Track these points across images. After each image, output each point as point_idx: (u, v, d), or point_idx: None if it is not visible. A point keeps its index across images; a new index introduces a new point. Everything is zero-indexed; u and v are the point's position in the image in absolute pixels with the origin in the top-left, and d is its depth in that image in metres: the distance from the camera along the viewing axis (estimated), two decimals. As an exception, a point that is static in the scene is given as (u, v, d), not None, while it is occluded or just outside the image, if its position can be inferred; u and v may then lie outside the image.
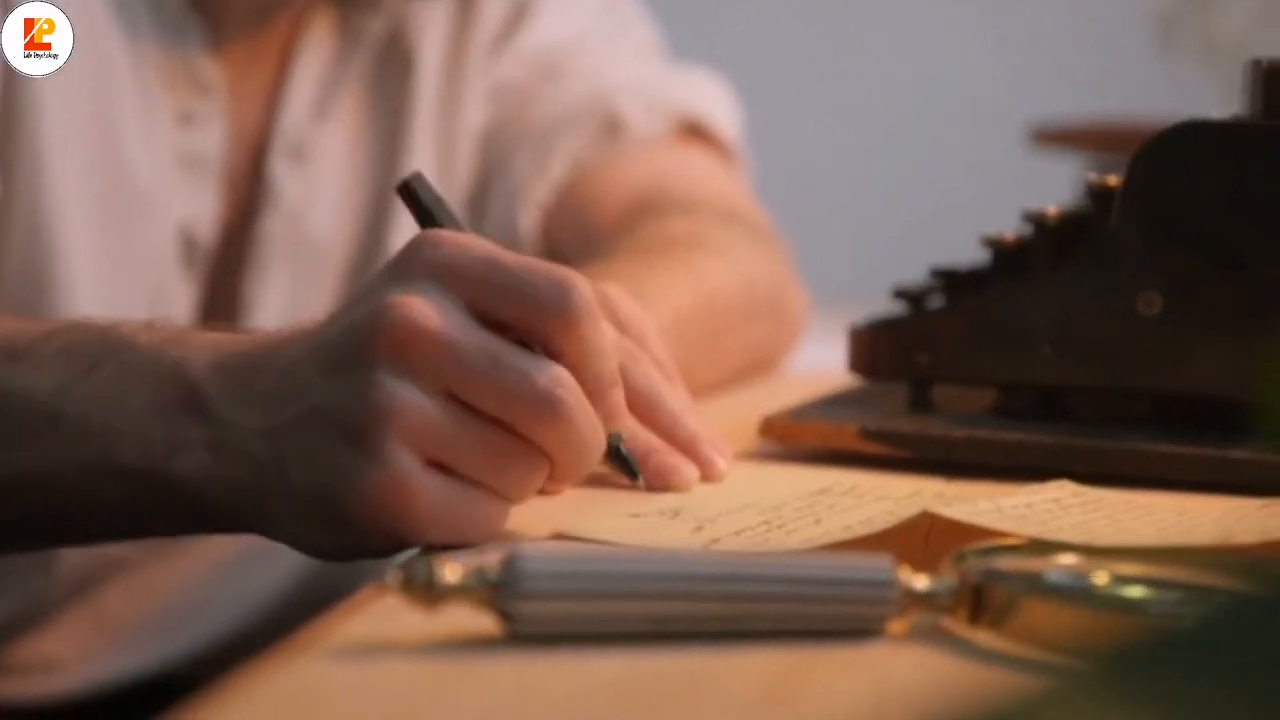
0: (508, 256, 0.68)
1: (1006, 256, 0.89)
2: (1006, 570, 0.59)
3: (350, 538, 0.67)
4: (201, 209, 1.06)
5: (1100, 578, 0.57)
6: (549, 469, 0.67)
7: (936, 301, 0.90)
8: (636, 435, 0.79)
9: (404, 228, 1.11)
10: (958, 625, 0.58)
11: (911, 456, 0.84)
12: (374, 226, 1.13)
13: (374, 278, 0.69)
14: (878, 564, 0.58)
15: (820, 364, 1.15)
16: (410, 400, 0.65)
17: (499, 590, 0.55)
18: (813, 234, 1.25)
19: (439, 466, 0.66)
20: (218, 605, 1.12)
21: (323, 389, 0.66)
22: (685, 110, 1.18)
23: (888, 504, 0.76)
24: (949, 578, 0.58)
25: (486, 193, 1.17)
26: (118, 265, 1.03)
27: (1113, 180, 0.87)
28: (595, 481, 0.79)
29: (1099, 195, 0.87)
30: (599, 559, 0.56)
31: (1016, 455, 0.83)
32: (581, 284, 0.68)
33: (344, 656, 0.55)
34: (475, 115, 1.16)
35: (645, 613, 0.56)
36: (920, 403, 0.90)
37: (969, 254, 1.44)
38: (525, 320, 0.67)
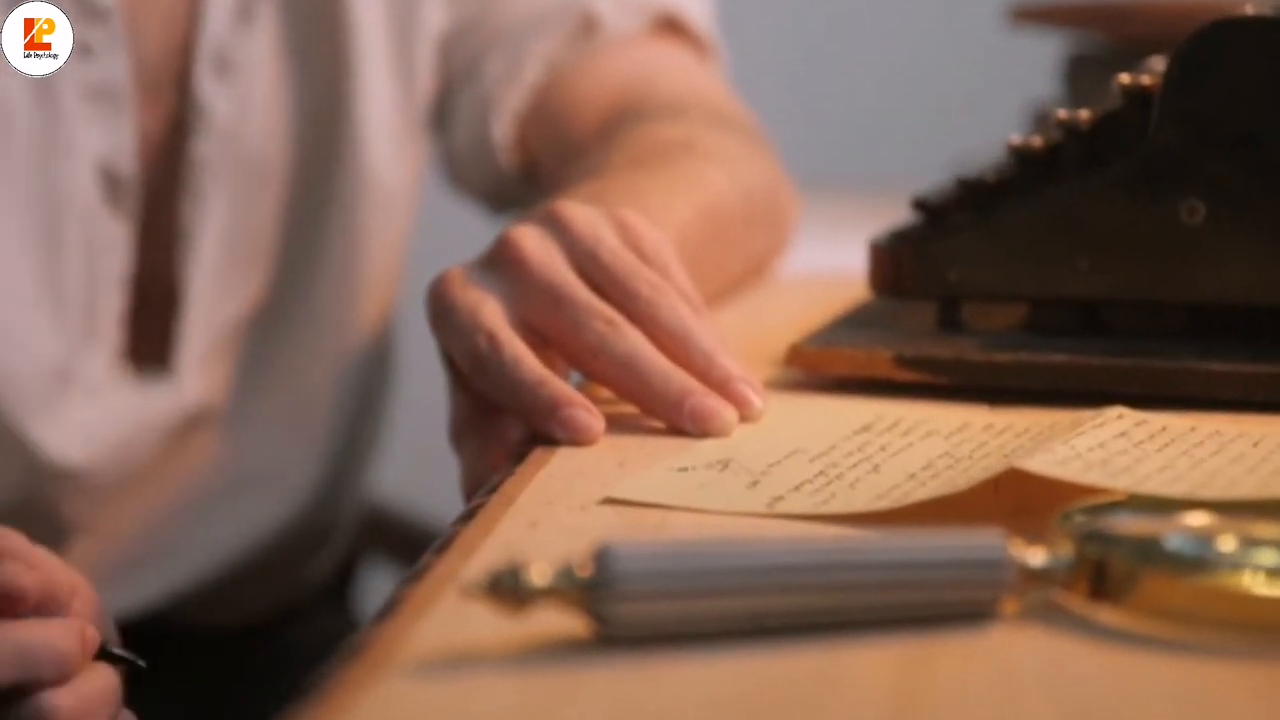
0: None
1: (1036, 164, 0.85)
2: (1123, 537, 0.55)
3: None
4: (119, 141, 0.99)
5: (1226, 543, 0.54)
6: None
7: (961, 214, 0.85)
8: (670, 376, 0.75)
9: (356, 137, 1.05)
10: (1074, 601, 0.54)
11: (950, 384, 0.80)
12: (319, 137, 1.06)
13: None
14: (989, 541, 0.54)
15: (799, 258, 1.11)
16: None
17: (592, 592, 0.51)
18: (784, 122, 1.20)
19: None
20: (189, 546, 1.07)
21: None
22: (660, 5, 1.12)
23: (938, 441, 0.73)
24: (1064, 552, 0.54)
25: (453, 101, 1.11)
26: (45, 210, 0.97)
27: (1147, 80, 0.83)
28: (630, 428, 0.74)
29: (1133, 97, 0.83)
30: (695, 555, 0.52)
31: (1062, 379, 0.79)
32: None
33: (429, 673, 0.51)
34: (434, 18, 1.10)
35: (745, 609, 0.52)
36: (949, 322, 0.85)
37: (947, 136, 1.40)
38: None
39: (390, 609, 0.56)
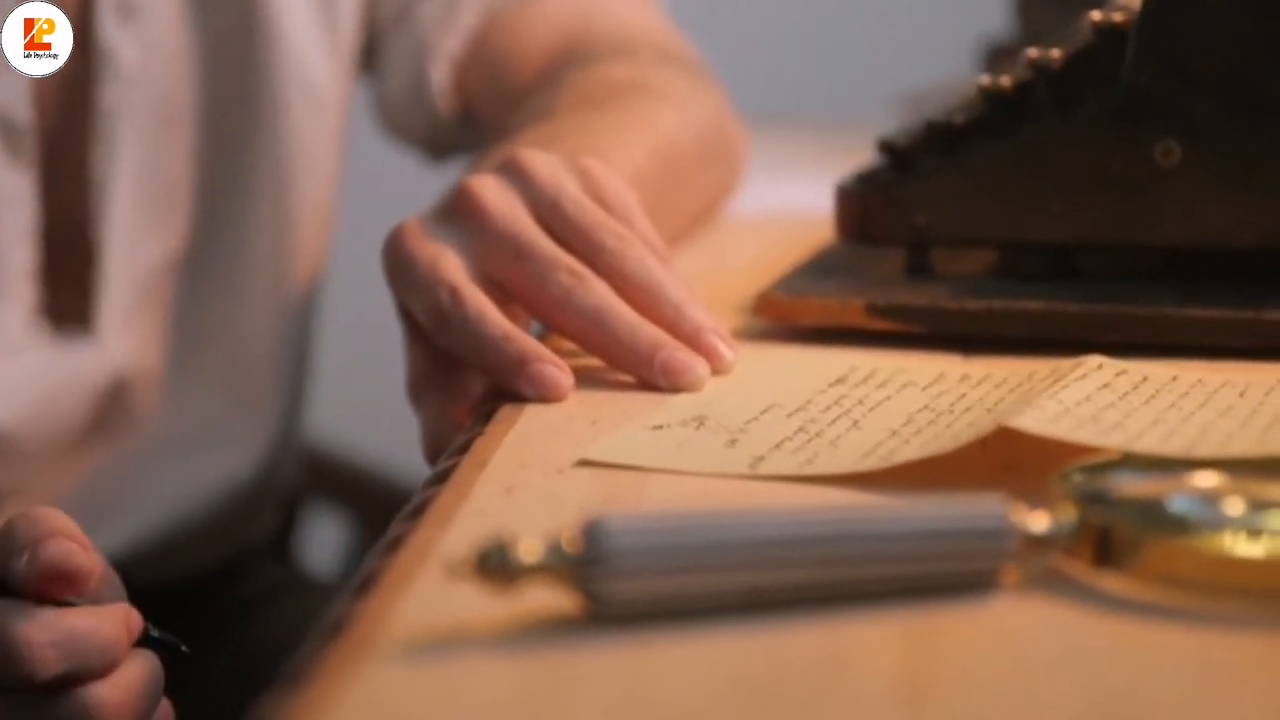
0: None
1: (1006, 104, 0.82)
2: (1126, 500, 0.53)
3: None
4: (11, 88, 0.94)
5: (1233, 505, 0.52)
6: None
7: (930, 156, 0.83)
8: (639, 329, 0.72)
9: (271, 79, 1.01)
10: (1077, 567, 0.52)
11: (923, 332, 0.78)
12: (233, 77, 1.02)
13: None
14: (990, 509, 0.52)
15: (748, 196, 1.08)
16: None
17: (583, 569, 0.49)
18: (727, 57, 1.17)
19: None
20: (127, 509, 1.04)
21: None
22: (598, -57, 1.09)
23: (915, 393, 0.71)
24: (1067, 518, 0.52)
25: (384, 45, 1.07)
26: None
27: (1120, 17, 0.81)
28: (599, 383, 0.72)
29: (1106, 34, 0.81)
30: (689, 529, 0.50)
31: (1038, 327, 0.77)
32: None
33: (416, 657, 0.48)
34: None
35: (742, 584, 0.50)
36: (919, 267, 0.83)
37: (895, 70, 1.37)
38: None
39: (367, 584, 0.54)
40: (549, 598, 0.50)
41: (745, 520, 0.50)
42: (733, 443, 0.65)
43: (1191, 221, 0.80)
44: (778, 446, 0.64)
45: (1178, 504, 0.53)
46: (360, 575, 0.56)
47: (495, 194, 0.75)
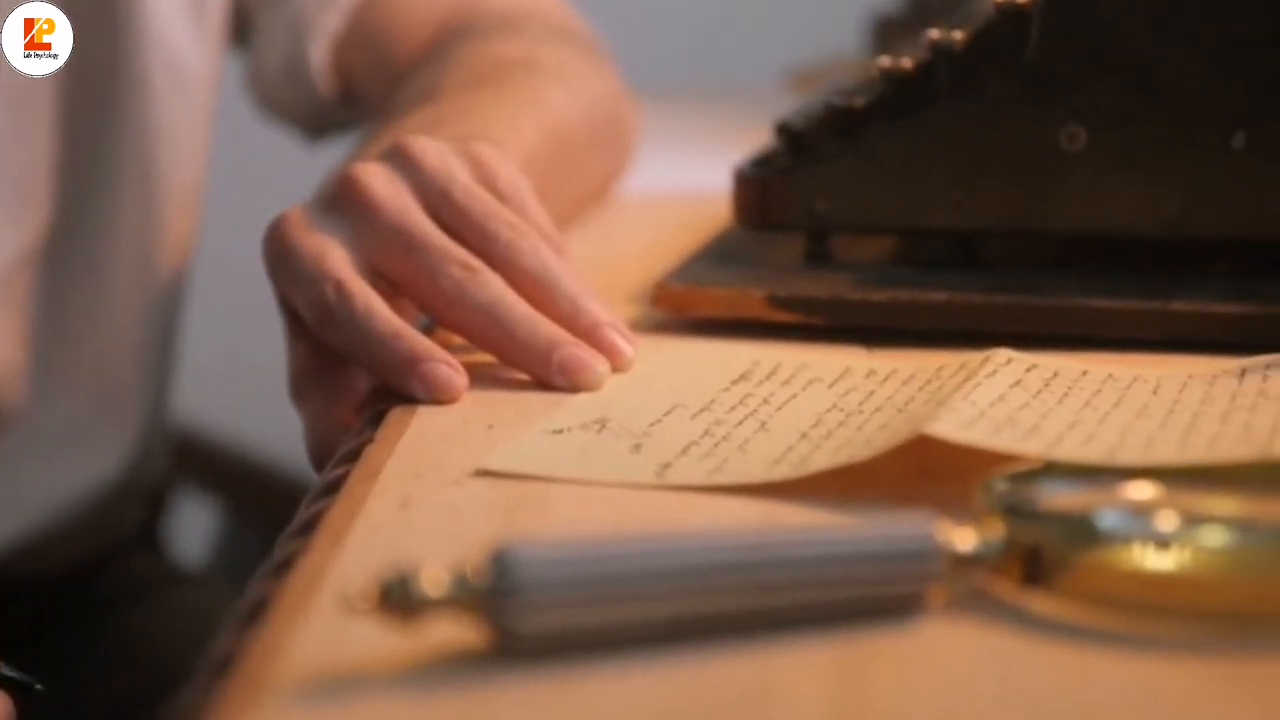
0: None
1: (907, 87, 0.80)
2: (1052, 515, 0.51)
3: None
4: None
5: (1166, 520, 0.50)
6: None
7: (830, 141, 0.81)
8: (537, 326, 0.70)
9: (133, 58, 0.96)
10: (1004, 587, 0.50)
11: (825, 324, 0.76)
12: (91, 56, 0.96)
13: None
14: (916, 528, 0.49)
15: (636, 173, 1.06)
16: None
17: (493, 601, 0.46)
18: (611, 27, 1.14)
19: None
20: (17, 498, 0.99)
21: None
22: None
23: (822, 390, 0.69)
24: (994, 535, 0.50)
25: (257, 21, 1.03)
26: None
27: (1023, -1, 0.78)
28: (493, 382, 0.69)
29: (1009, 15, 0.78)
30: (604, 556, 0.47)
31: (942, 318, 0.75)
32: None
33: (315, 698, 0.45)
34: None
35: (661, 615, 0.47)
36: (817, 255, 0.81)
37: (783, 44, 1.35)
38: None
39: (256, 612, 0.51)
40: (455, 631, 0.47)
41: (663, 548, 0.47)
42: (637, 448, 0.63)
43: (1096, 208, 0.78)
44: (684, 452, 0.62)
45: (1108, 519, 0.51)
46: (247, 602, 0.53)
47: (382, 183, 0.72)
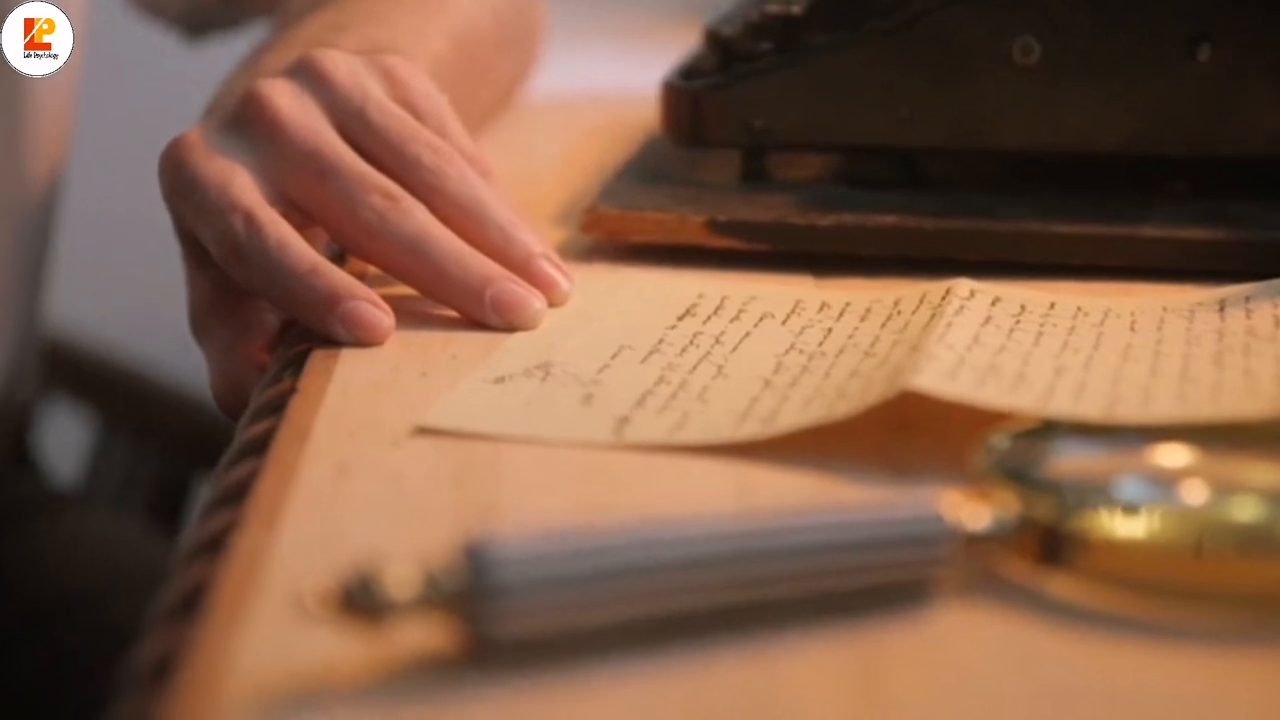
0: None
1: (850, -3, 0.75)
2: (1065, 485, 0.47)
3: None
4: None
5: (1194, 491, 0.46)
6: None
7: (765, 53, 0.75)
8: (467, 260, 0.64)
9: None
10: (1017, 567, 0.46)
11: (769, 250, 0.71)
12: None
13: None
14: (925, 509, 0.45)
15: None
16: None
17: (467, 603, 0.41)
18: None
19: None
20: None
21: None
22: None
23: (775, 328, 0.64)
24: (1007, 512, 0.46)
25: None
26: None
27: (973, -100, 0.73)
28: (418, 320, 0.64)
29: (959, -80, 0.73)
30: (588, 550, 0.42)
31: (893, 244, 0.71)
32: None
33: (271, 713, 0.40)
34: None
35: (653, 612, 0.42)
36: (754, 173, 0.76)
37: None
38: None
39: (189, 603, 0.46)
40: (424, 635, 0.42)
41: (653, 539, 0.43)
42: (588, 398, 0.58)
43: (1051, 125, 0.73)
44: (640, 403, 0.57)
45: (1128, 489, 0.46)
46: (176, 590, 0.47)
47: (289, 101, 0.66)
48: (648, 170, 0.78)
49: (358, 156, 0.65)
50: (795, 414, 0.55)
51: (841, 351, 0.61)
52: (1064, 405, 0.53)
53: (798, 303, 0.66)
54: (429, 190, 0.65)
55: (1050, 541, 0.45)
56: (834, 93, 0.74)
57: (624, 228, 0.72)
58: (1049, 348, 0.59)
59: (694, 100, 0.75)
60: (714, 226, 0.71)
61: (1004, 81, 0.73)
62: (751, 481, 0.52)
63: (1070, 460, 0.49)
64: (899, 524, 0.44)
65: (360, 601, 0.41)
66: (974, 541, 0.45)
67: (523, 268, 0.65)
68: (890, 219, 0.71)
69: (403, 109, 0.68)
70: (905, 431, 0.55)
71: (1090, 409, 0.53)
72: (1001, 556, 0.46)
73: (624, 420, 0.56)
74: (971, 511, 0.45)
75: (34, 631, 0.98)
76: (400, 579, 0.41)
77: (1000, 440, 0.49)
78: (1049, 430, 0.51)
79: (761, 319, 0.65)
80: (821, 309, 0.66)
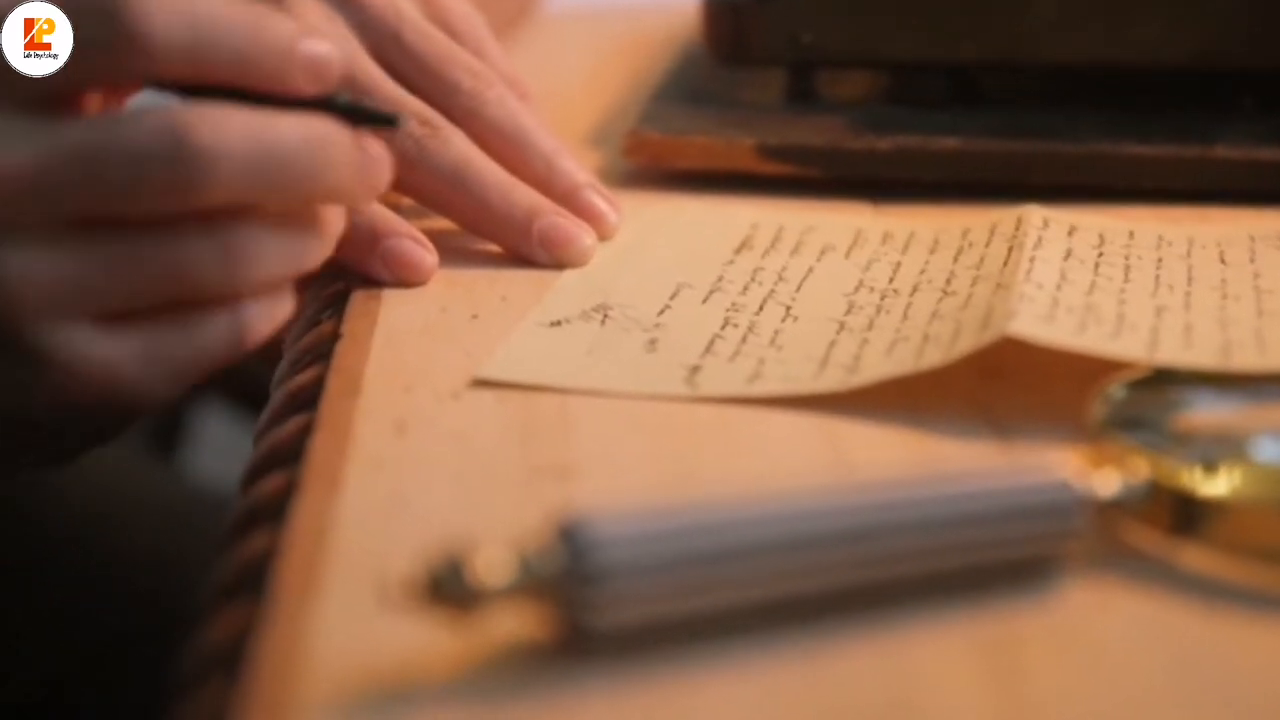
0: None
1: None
2: (1198, 442, 0.43)
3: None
4: None
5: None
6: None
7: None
8: (512, 191, 0.60)
9: None
10: (1147, 535, 0.42)
11: (823, 176, 0.67)
12: None
13: None
14: (1051, 476, 0.41)
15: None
16: (15, 272, 0.46)
17: (566, 589, 0.38)
18: None
19: (113, 317, 0.48)
20: None
21: None
22: None
23: (840, 262, 0.60)
24: (1138, 477, 0.42)
25: None
26: None
27: None
28: (461, 256, 0.60)
29: None
30: (696, 528, 0.38)
31: (958, 168, 0.67)
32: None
33: (354, 712, 0.37)
34: None
35: (766, 596, 0.39)
36: (801, 92, 0.72)
37: None
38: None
39: (252, 581, 0.42)
40: (516, 622, 0.38)
41: (766, 516, 0.39)
42: (652, 343, 0.54)
43: (1116, 38, 0.70)
44: (709, 349, 0.53)
45: (1269, 448, 0.43)
46: (234, 562, 0.44)
47: (321, 22, 0.62)
48: (687, 89, 0.74)
49: (394, 82, 0.61)
50: (880, 361, 0.52)
51: (916, 289, 0.57)
52: (1174, 352, 0.49)
53: (859, 233, 0.63)
54: (468, 116, 0.61)
55: (1184, 509, 0.42)
56: (886, 4, 0.70)
57: (669, 153, 0.68)
58: (1142, 284, 0.56)
59: (736, 14, 0.71)
60: (764, 151, 0.67)
61: (1068, -6, 0.69)
62: (841, 436, 0.48)
63: (1197, 414, 0.45)
64: (1026, 493, 0.41)
65: (449, 589, 0.37)
66: (1103, 510, 0.42)
67: (569, 199, 0.61)
68: (952, 142, 0.67)
69: (439, 29, 0.63)
70: (999, 379, 0.51)
71: (1203, 356, 0.49)
72: (1130, 524, 0.42)
73: (695, 369, 0.52)
74: (1100, 477, 0.42)
75: (43, 560, 0.95)
76: (491, 563, 0.37)
77: (1116, 391, 0.46)
78: (1166, 379, 0.47)
79: (823, 252, 0.61)
80: (885, 240, 0.62)
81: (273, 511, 0.45)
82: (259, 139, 0.47)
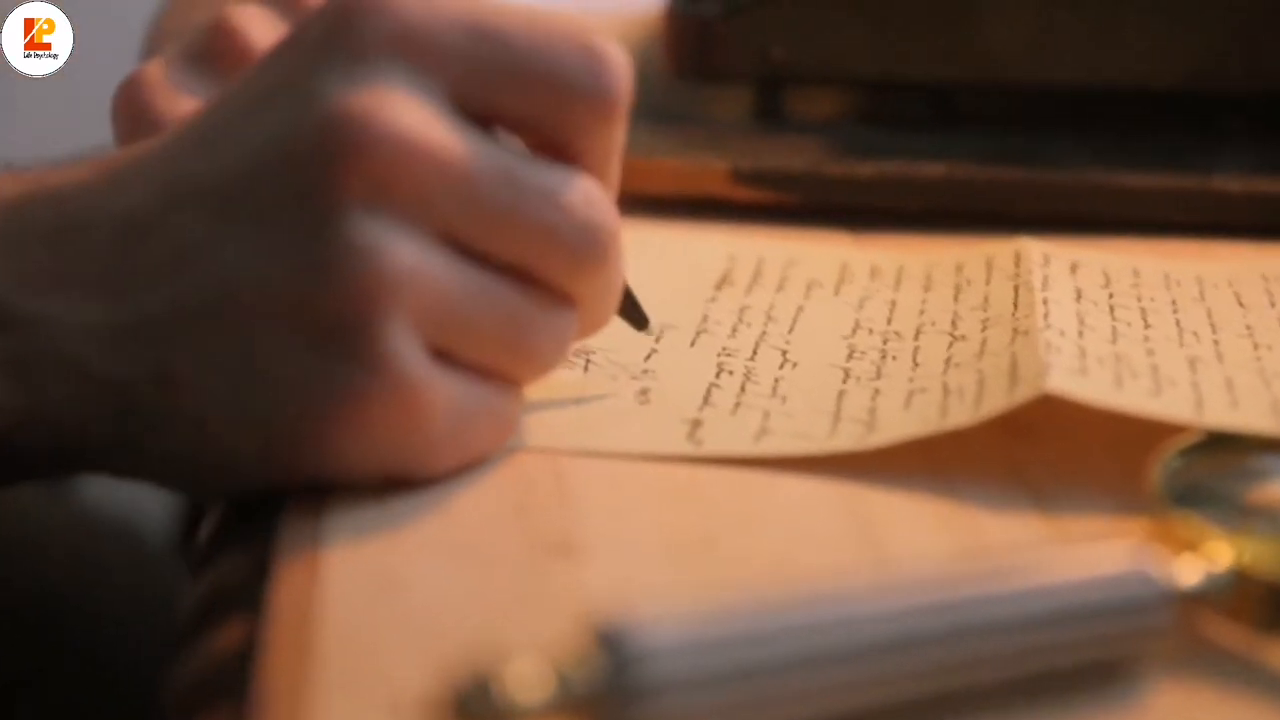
0: (499, 16, 0.43)
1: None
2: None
3: (269, 474, 0.43)
4: None
5: None
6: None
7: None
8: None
9: None
10: (1229, 631, 0.38)
11: (801, 204, 0.63)
12: None
13: (287, 54, 0.43)
14: (1129, 565, 0.37)
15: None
16: (408, 260, 0.41)
17: (607, 705, 0.33)
18: None
19: (442, 354, 0.43)
20: None
21: (240, 255, 0.41)
22: None
23: (829, 300, 0.56)
24: (1220, 566, 0.38)
25: None
26: None
27: None
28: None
29: None
30: (748, 633, 0.34)
31: (944, 197, 0.63)
32: (614, 48, 0.44)
33: None
34: None
35: (831, 708, 0.34)
36: (770, 110, 0.68)
37: None
38: (540, 112, 0.44)
39: (225, 684, 0.37)
40: (546, 740, 0.34)
41: (827, 619, 0.34)
42: (644, 394, 0.49)
43: (1104, 58, 0.66)
44: (708, 401, 0.49)
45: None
46: (200, 658, 0.38)
47: (266, 32, 0.57)
48: (653, 110, 0.69)
49: None
50: (898, 415, 0.47)
51: (920, 332, 0.53)
52: (1221, 412, 0.45)
53: (844, 267, 0.58)
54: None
55: (1273, 600, 0.38)
56: (863, 19, 0.66)
57: (635, 177, 0.63)
58: (1165, 331, 0.52)
59: (703, 28, 0.67)
60: (740, 175, 0.63)
61: (1051, 10, 0.65)
62: (863, 502, 0.44)
63: (1274, 486, 0.41)
64: (1104, 587, 0.37)
65: (476, 708, 0.32)
66: (1185, 603, 0.37)
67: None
68: (938, 169, 0.63)
69: None
70: (1028, 438, 0.47)
71: (1254, 418, 0.45)
72: (1211, 617, 0.38)
73: (696, 424, 0.47)
74: (1182, 566, 0.38)
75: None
76: (524, 679, 0.33)
77: (1173, 460, 0.42)
78: (1223, 443, 0.43)
79: (810, 288, 0.57)
80: (873, 275, 0.58)
81: (241, 596, 0.40)
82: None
